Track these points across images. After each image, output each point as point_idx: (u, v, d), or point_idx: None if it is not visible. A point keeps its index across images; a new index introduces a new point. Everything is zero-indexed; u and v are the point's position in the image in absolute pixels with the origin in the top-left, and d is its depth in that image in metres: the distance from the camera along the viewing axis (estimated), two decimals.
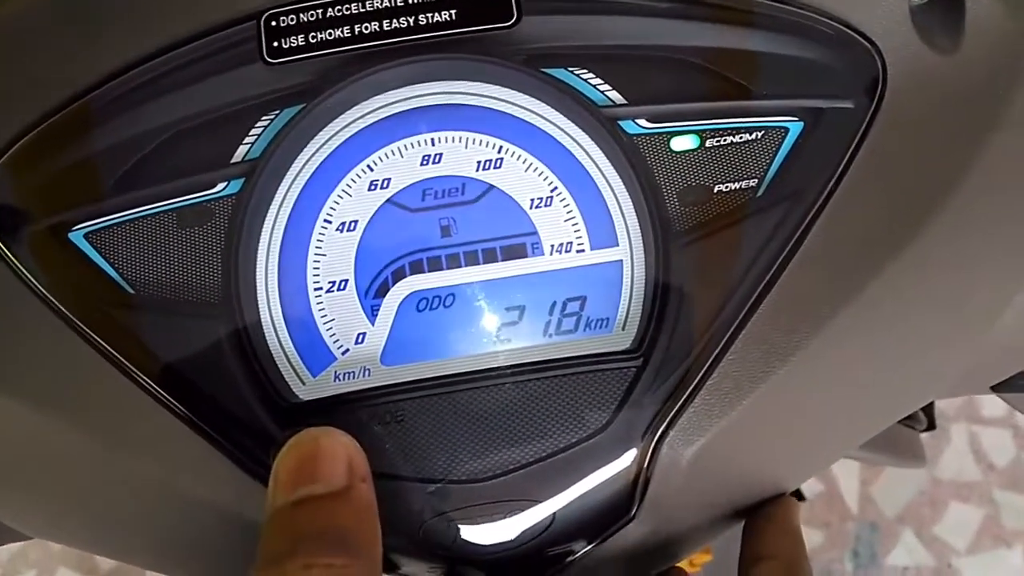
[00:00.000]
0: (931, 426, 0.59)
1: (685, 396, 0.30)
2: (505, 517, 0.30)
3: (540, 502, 0.30)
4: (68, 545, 0.35)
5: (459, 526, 0.30)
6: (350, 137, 0.32)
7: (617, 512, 0.30)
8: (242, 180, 0.31)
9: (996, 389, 0.38)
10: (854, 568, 1.37)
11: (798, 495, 0.71)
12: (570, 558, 0.31)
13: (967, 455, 1.41)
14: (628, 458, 0.30)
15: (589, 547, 0.31)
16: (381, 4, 0.31)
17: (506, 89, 0.32)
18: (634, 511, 0.30)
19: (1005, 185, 0.31)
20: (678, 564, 0.35)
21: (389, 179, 0.32)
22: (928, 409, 0.59)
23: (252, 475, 0.30)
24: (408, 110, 0.32)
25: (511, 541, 0.30)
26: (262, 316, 0.31)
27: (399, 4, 0.31)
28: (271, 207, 0.31)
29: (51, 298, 0.31)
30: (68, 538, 0.34)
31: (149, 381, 0.30)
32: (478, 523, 0.30)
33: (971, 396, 1.46)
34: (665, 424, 0.30)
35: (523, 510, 0.30)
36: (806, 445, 0.33)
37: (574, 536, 0.31)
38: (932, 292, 0.31)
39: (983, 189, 0.31)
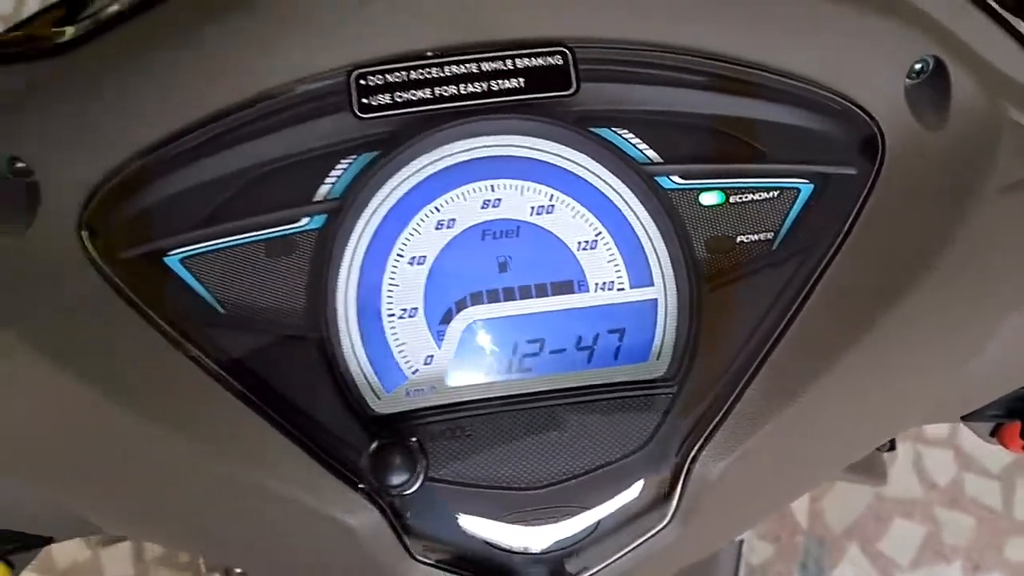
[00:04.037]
0: (892, 447, 0.65)
1: (715, 421, 0.34)
2: (558, 521, 0.34)
3: (588, 509, 0.34)
4: (148, 540, 0.38)
5: (519, 528, 0.34)
6: (421, 181, 0.36)
7: (654, 519, 0.35)
8: (325, 216, 0.35)
9: (966, 419, 0.43)
10: None
11: None
12: (612, 558, 0.35)
13: (911, 474, 1.47)
14: (664, 472, 0.34)
15: (629, 549, 0.35)
16: (459, 70, 0.35)
17: (558, 144, 0.36)
18: (669, 519, 0.35)
19: (987, 243, 0.36)
20: None
21: (454, 220, 0.36)
22: None
23: (337, 476, 0.33)
24: (472, 159, 0.36)
25: (561, 542, 0.34)
26: (342, 337, 0.35)
27: (474, 71, 0.35)
28: (350, 241, 0.35)
29: (151, 313, 0.34)
30: (154, 534, 0.37)
31: (242, 389, 0.34)
32: (535, 525, 0.34)
33: None
34: (698, 445, 0.34)
35: (573, 515, 0.34)
36: (811, 463, 0.38)
37: (616, 539, 0.35)
38: (923, 335, 0.36)
39: (968, 246, 0.36)
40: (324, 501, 0.33)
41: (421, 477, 0.33)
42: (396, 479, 0.32)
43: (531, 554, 0.34)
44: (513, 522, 0.34)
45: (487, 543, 0.34)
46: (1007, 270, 0.37)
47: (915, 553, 1.43)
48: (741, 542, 0.78)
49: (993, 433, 0.46)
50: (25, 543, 0.40)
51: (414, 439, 0.33)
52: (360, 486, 0.33)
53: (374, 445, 0.33)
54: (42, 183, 0.34)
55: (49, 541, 0.40)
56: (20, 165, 0.34)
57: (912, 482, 1.47)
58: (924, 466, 1.48)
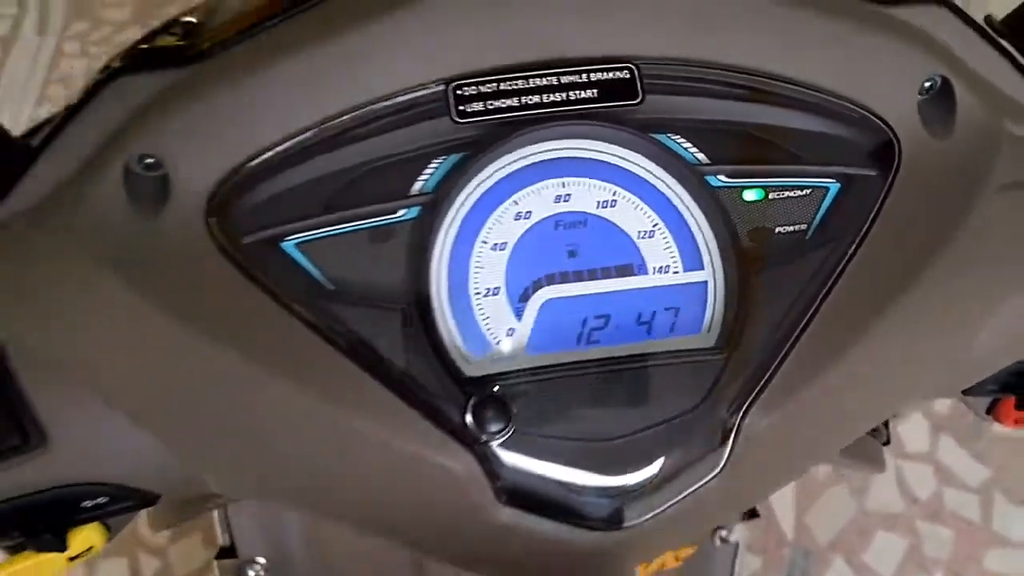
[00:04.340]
0: (887, 440, 0.70)
1: (760, 384, 0.40)
2: (626, 470, 0.39)
3: (652, 460, 0.39)
4: (256, 495, 0.42)
5: (591, 475, 0.39)
6: (502, 178, 0.41)
7: (707, 469, 0.40)
8: (419, 208, 0.40)
9: (967, 392, 0.49)
10: None
11: (752, 512, 0.80)
12: (668, 504, 0.40)
13: (893, 488, 1.53)
14: (717, 428, 0.40)
15: (683, 496, 0.40)
16: (542, 82, 0.41)
17: (621, 148, 0.42)
18: (720, 468, 0.40)
19: (988, 234, 0.42)
20: None
21: (530, 211, 0.41)
22: (886, 425, 0.70)
23: (440, 427, 0.38)
24: (547, 160, 0.41)
25: (624, 488, 0.39)
26: (435, 312, 0.39)
27: (555, 83, 0.41)
28: (441, 230, 0.40)
29: (270, 288, 0.39)
30: (263, 486, 0.41)
31: (351, 352, 0.38)
32: (607, 474, 0.39)
33: (897, 434, 1.58)
34: (746, 405, 0.39)
35: (641, 465, 0.39)
36: (839, 424, 0.43)
37: (672, 487, 0.40)
38: (935, 313, 0.42)
39: (973, 237, 0.42)
40: (430, 448, 0.38)
41: (513, 428, 0.38)
42: (494, 428, 0.37)
43: (601, 490, 0.39)
44: (587, 469, 0.39)
45: (563, 485, 0.39)
46: (1007, 256, 0.43)
47: (897, 565, 1.47)
48: (737, 547, 0.82)
49: (989, 411, 0.52)
50: (133, 501, 0.44)
51: (503, 395, 0.38)
52: (458, 436, 0.38)
53: (474, 400, 0.38)
54: (172, 177, 0.39)
55: (155, 501, 0.44)
56: (149, 160, 0.39)
57: (894, 496, 1.52)
58: (905, 480, 1.53)
